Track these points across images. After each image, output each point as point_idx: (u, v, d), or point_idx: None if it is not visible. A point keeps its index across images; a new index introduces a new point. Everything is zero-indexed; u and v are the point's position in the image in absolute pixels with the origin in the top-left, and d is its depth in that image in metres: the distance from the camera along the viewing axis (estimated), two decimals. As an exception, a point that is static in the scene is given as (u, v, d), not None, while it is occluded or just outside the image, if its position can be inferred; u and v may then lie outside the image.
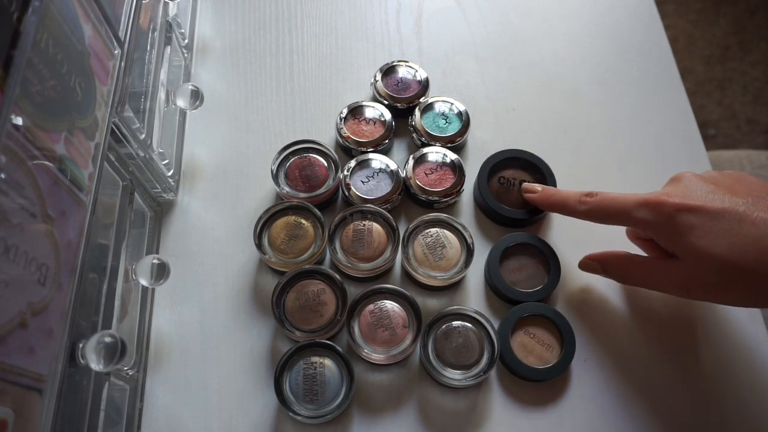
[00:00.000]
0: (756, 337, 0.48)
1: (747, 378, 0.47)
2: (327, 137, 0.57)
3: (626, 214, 0.42)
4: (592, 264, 0.48)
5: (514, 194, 0.52)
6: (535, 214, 0.51)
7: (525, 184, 0.51)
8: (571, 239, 0.52)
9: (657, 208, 0.40)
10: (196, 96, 0.49)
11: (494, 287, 0.49)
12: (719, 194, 0.39)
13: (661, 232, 0.41)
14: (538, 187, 0.50)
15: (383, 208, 0.50)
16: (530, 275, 0.49)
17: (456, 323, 0.46)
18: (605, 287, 0.50)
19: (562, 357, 0.46)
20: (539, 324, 0.47)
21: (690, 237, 0.39)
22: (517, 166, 0.53)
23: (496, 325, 0.47)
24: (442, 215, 0.49)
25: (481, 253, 0.51)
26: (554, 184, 0.52)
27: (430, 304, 0.49)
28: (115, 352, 0.34)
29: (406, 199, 0.53)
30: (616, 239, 0.51)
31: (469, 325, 0.46)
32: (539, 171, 0.53)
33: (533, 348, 0.46)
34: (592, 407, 0.46)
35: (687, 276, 0.40)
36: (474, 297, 0.50)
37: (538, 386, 0.46)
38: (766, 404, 0.46)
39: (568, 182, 0.54)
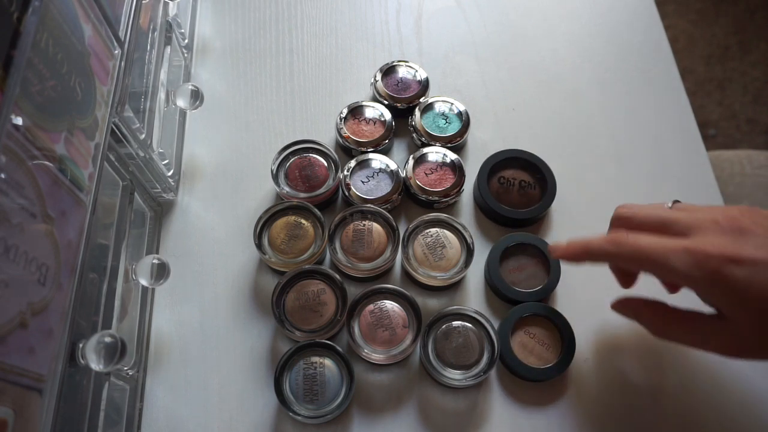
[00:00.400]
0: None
1: (747, 377, 0.47)
2: (327, 137, 0.57)
3: (663, 262, 0.37)
4: (625, 310, 0.43)
5: (514, 194, 0.52)
6: (535, 214, 0.51)
7: (550, 246, 0.45)
8: (572, 236, 0.52)
9: (700, 258, 0.35)
10: (196, 96, 0.49)
11: (494, 287, 0.49)
12: (762, 239, 0.36)
13: (706, 287, 0.36)
14: (562, 243, 0.43)
15: (383, 208, 0.50)
16: (530, 275, 0.49)
17: (456, 323, 0.46)
18: (604, 287, 0.50)
19: (562, 357, 0.46)
20: (539, 324, 0.47)
21: (743, 292, 0.35)
22: (517, 166, 0.53)
23: (496, 325, 0.47)
24: (442, 215, 0.49)
25: (481, 253, 0.51)
26: (554, 184, 0.52)
27: (430, 304, 0.49)
28: (115, 352, 0.34)
29: (406, 199, 0.53)
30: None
31: (469, 325, 0.46)
32: (539, 171, 0.53)
33: (533, 348, 0.46)
34: (592, 407, 0.46)
35: (740, 336, 0.36)
36: (474, 297, 0.50)
37: (538, 386, 0.46)
38: (764, 402, 0.46)
39: (568, 182, 0.54)
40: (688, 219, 0.38)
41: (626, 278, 0.45)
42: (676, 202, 0.42)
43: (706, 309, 0.38)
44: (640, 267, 0.39)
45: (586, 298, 0.50)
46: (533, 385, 0.46)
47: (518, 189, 0.52)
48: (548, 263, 0.49)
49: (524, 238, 0.50)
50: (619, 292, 0.50)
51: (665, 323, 0.40)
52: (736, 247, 0.35)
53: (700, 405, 0.46)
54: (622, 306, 0.43)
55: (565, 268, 0.50)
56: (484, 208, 0.53)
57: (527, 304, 0.47)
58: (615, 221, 0.42)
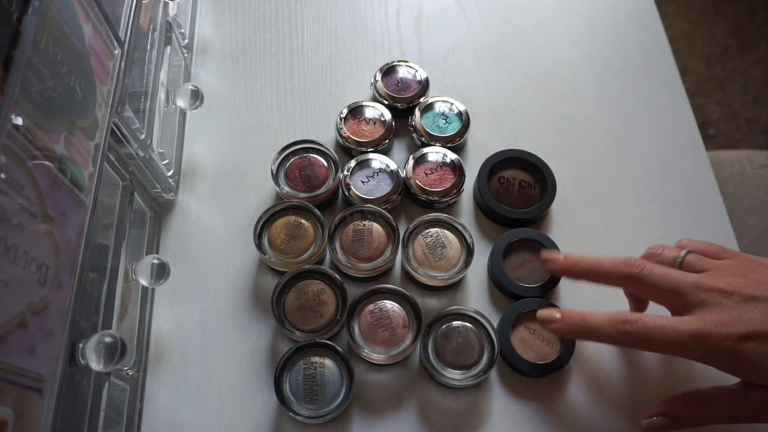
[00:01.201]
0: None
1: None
2: (327, 137, 0.57)
3: (678, 349, 0.37)
4: (660, 421, 0.41)
5: (514, 194, 0.52)
6: (535, 214, 0.51)
7: (546, 262, 0.45)
8: (572, 236, 0.52)
9: (713, 342, 0.36)
10: (196, 96, 0.49)
11: (498, 283, 0.49)
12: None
13: (725, 365, 0.37)
14: (562, 312, 0.42)
15: (383, 208, 0.50)
16: (533, 270, 0.49)
17: (456, 323, 0.46)
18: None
19: (562, 352, 0.46)
20: None
21: (761, 365, 0.36)
22: (517, 166, 0.53)
23: (498, 319, 0.47)
24: (442, 215, 0.49)
25: (481, 252, 0.51)
26: (554, 184, 0.52)
27: (430, 304, 0.49)
28: (115, 352, 0.34)
29: (406, 199, 0.53)
30: (617, 238, 0.51)
31: (469, 325, 0.46)
32: (539, 171, 0.53)
33: (533, 343, 0.46)
34: (592, 402, 0.46)
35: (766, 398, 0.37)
36: (474, 297, 0.50)
37: (539, 382, 0.46)
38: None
39: (568, 182, 0.54)
40: (695, 292, 0.38)
41: (639, 302, 0.46)
42: (688, 254, 0.42)
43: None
44: (652, 350, 0.39)
45: (589, 293, 0.50)
46: (533, 381, 0.46)
47: (518, 189, 0.52)
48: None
49: (527, 233, 0.50)
50: (622, 289, 0.50)
51: (704, 412, 0.39)
52: (744, 321, 0.36)
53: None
54: (652, 422, 0.41)
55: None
56: (484, 208, 0.53)
57: (527, 300, 0.47)
58: (623, 277, 0.41)
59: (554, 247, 0.49)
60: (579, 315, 0.41)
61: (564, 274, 0.45)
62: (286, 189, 0.51)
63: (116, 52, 0.41)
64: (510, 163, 0.53)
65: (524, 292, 0.48)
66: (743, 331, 0.36)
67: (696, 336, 0.36)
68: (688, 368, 0.47)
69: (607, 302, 0.50)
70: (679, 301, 0.39)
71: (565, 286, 0.50)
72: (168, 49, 0.52)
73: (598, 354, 0.48)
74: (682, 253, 0.42)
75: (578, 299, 0.50)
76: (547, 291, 0.48)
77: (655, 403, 0.42)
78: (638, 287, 0.41)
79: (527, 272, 0.49)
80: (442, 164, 0.52)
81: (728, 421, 0.39)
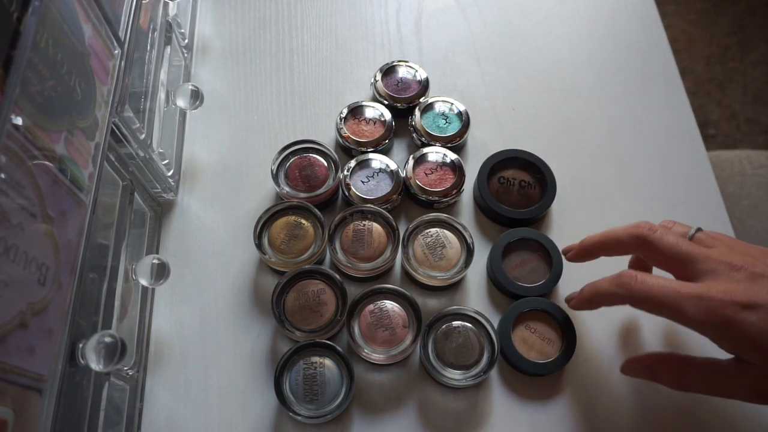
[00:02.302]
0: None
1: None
2: (327, 137, 0.57)
3: (676, 309, 0.37)
4: (637, 368, 0.42)
5: (514, 194, 0.52)
6: (535, 214, 0.51)
7: (567, 297, 0.46)
8: (572, 236, 0.52)
9: (713, 306, 0.35)
10: (196, 96, 0.49)
11: (497, 283, 0.49)
12: None
13: (720, 334, 0.36)
14: (575, 295, 0.44)
15: (383, 208, 0.50)
16: (532, 270, 0.49)
17: (456, 323, 0.46)
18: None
19: (563, 351, 0.46)
20: (540, 319, 0.47)
21: (758, 337, 0.34)
22: (517, 166, 0.53)
23: (498, 319, 0.47)
24: (442, 215, 0.49)
25: (481, 252, 0.51)
26: (554, 184, 0.52)
27: (430, 304, 0.49)
28: (115, 352, 0.34)
29: (406, 199, 0.53)
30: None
31: (469, 325, 0.46)
32: (539, 171, 0.53)
33: (534, 343, 0.46)
34: (593, 401, 0.46)
35: (758, 379, 0.36)
36: (474, 297, 0.50)
37: (540, 381, 0.46)
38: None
39: (568, 182, 0.54)
40: (704, 261, 0.38)
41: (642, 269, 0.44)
42: (698, 230, 0.41)
43: (724, 355, 0.38)
44: (649, 311, 0.38)
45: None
46: (534, 380, 0.46)
47: (518, 189, 0.52)
48: (550, 258, 0.49)
49: (526, 233, 0.50)
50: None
51: (687, 376, 0.39)
52: (750, 293, 0.35)
53: (700, 401, 0.46)
54: (633, 365, 0.42)
55: (567, 262, 0.50)
56: (484, 208, 0.53)
57: (528, 299, 0.47)
58: (635, 240, 0.41)
59: (554, 247, 0.49)
60: (591, 286, 0.42)
61: (582, 255, 0.45)
62: (286, 189, 0.51)
63: (116, 52, 0.41)
64: (510, 163, 0.53)
65: (523, 292, 0.48)
66: (747, 300, 0.35)
67: (697, 298, 0.36)
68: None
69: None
70: (686, 268, 0.38)
71: (564, 285, 0.50)
72: (168, 49, 0.52)
73: (598, 354, 0.48)
74: (693, 229, 0.41)
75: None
76: (546, 290, 0.48)
77: (644, 354, 0.42)
78: (648, 250, 0.40)
79: (526, 272, 0.49)
80: (442, 164, 0.52)
81: (706, 393, 0.39)
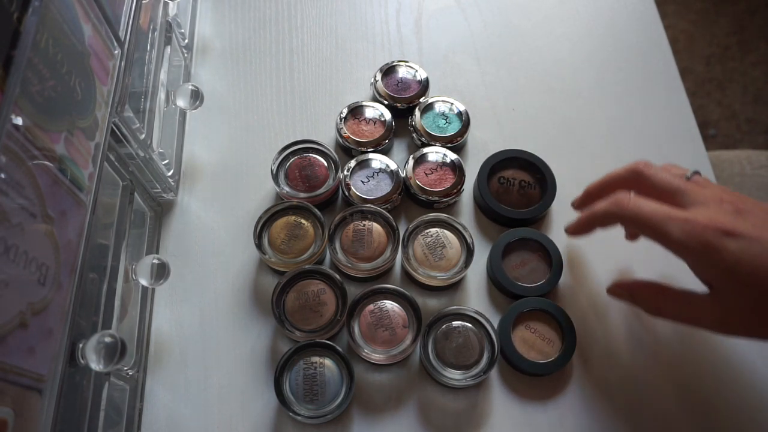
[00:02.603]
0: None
1: (746, 376, 0.47)
2: (327, 137, 0.57)
3: (660, 228, 0.38)
4: (621, 292, 0.45)
5: (514, 194, 0.52)
6: (535, 214, 0.51)
7: (566, 228, 0.47)
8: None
9: (696, 229, 0.37)
10: (196, 96, 0.49)
11: (497, 283, 0.49)
12: (763, 223, 0.37)
13: (698, 257, 0.38)
14: (574, 222, 0.46)
15: (383, 208, 0.50)
16: (532, 270, 0.49)
17: (456, 323, 0.46)
18: (606, 281, 0.50)
19: (563, 351, 0.46)
20: (540, 319, 0.47)
21: (733, 265, 0.36)
22: (517, 166, 0.53)
23: (498, 319, 0.47)
24: (442, 215, 0.49)
25: (481, 252, 0.51)
26: (554, 184, 0.52)
27: (430, 304, 0.49)
28: (115, 352, 0.34)
29: (406, 199, 0.53)
30: (617, 238, 0.51)
31: (469, 325, 0.46)
32: (539, 171, 0.53)
33: (534, 342, 0.46)
34: (593, 401, 0.46)
35: (725, 308, 0.38)
36: (474, 297, 0.50)
37: (539, 381, 0.46)
38: (765, 403, 0.46)
39: (568, 182, 0.54)
40: (696, 193, 0.40)
41: (633, 231, 0.47)
42: (695, 173, 0.43)
43: (700, 288, 0.40)
44: (638, 230, 0.41)
45: (589, 292, 0.50)
46: (534, 380, 0.46)
47: (518, 189, 0.52)
48: (550, 258, 0.49)
49: (526, 233, 0.50)
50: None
51: (659, 301, 0.42)
52: (733, 223, 0.37)
53: (700, 400, 0.46)
54: (617, 288, 0.45)
55: (568, 262, 0.50)
56: (484, 208, 0.53)
57: (528, 299, 0.47)
58: (631, 172, 0.43)
59: (554, 247, 0.49)
60: (588, 210, 0.45)
61: (587, 199, 0.46)
62: (286, 189, 0.51)
63: (116, 52, 0.41)
64: (510, 163, 0.53)
65: (523, 292, 0.48)
66: (729, 228, 0.36)
67: (683, 221, 0.38)
68: (687, 369, 0.47)
69: (608, 300, 0.50)
70: (677, 199, 0.40)
71: (564, 285, 0.50)
72: (168, 49, 0.52)
73: (598, 354, 0.48)
74: (690, 171, 0.43)
75: (579, 299, 0.50)
76: (546, 290, 0.48)
77: (629, 279, 0.45)
78: (643, 184, 0.42)
79: (526, 272, 0.49)
80: (442, 164, 0.52)
81: (676, 320, 0.41)
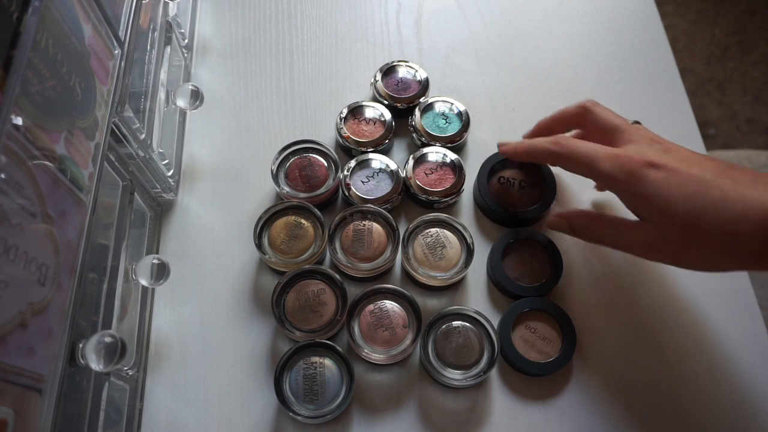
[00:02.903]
0: (756, 337, 0.48)
1: (746, 376, 0.47)
2: (327, 137, 0.57)
3: (592, 164, 0.42)
4: (560, 222, 0.48)
5: (514, 194, 0.52)
6: (535, 214, 0.51)
7: (499, 143, 0.51)
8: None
9: (623, 162, 0.41)
10: (196, 96, 0.49)
11: (497, 283, 0.49)
12: (686, 160, 0.40)
13: (624, 187, 0.41)
14: (512, 142, 0.50)
15: (383, 208, 0.50)
16: (532, 270, 0.49)
17: (456, 323, 0.46)
18: (606, 280, 0.50)
19: (563, 351, 0.46)
20: (539, 318, 0.47)
21: (654, 193, 0.39)
22: (517, 166, 0.53)
23: (498, 319, 0.47)
24: (442, 215, 0.49)
25: (481, 252, 0.51)
26: (554, 184, 0.52)
27: (430, 304, 0.49)
28: (115, 352, 0.34)
29: (406, 199, 0.53)
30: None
31: (469, 325, 0.46)
32: (539, 171, 0.53)
33: (534, 342, 0.46)
34: (593, 401, 0.46)
35: (651, 235, 0.41)
36: (474, 297, 0.50)
37: (539, 381, 0.46)
38: (764, 402, 0.46)
39: (569, 182, 0.54)
40: (632, 133, 0.43)
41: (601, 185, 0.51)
42: (636, 122, 0.46)
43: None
44: (573, 167, 0.44)
45: (588, 291, 0.50)
46: (534, 380, 0.46)
47: (518, 189, 0.52)
48: (550, 258, 0.49)
49: (526, 233, 0.50)
50: (623, 288, 0.50)
51: (594, 227, 0.45)
52: (659, 157, 0.40)
53: (700, 399, 0.46)
54: (556, 218, 0.48)
55: (568, 261, 0.50)
56: (484, 208, 0.53)
57: (527, 299, 0.47)
58: (580, 108, 0.47)
59: (554, 247, 0.49)
60: (529, 141, 0.49)
61: (531, 149, 0.48)
62: (286, 189, 0.51)
63: (116, 52, 0.41)
64: (510, 163, 0.53)
65: (523, 292, 0.48)
66: (654, 160, 0.40)
67: (613, 155, 0.42)
68: (687, 369, 0.47)
69: (607, 296, 0.50)
70: (614, 137, 0.44)
71: (564, 285, 0.50)
72: (168, 49, 0.52)
73: (598, 353, 0.48)
74: (632, 121, 0.46)
75: (579, 299, 0.50)
76: (546, 290, 0.48)
77: (566, 210, 0.49)
78: (589, 119, 0.46)
79: (526, 272, 0.49)
80: (442, 164, 0.52)
81: (611, 245, 0.45)
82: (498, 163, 0.53)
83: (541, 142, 0.46)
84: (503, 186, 0.52)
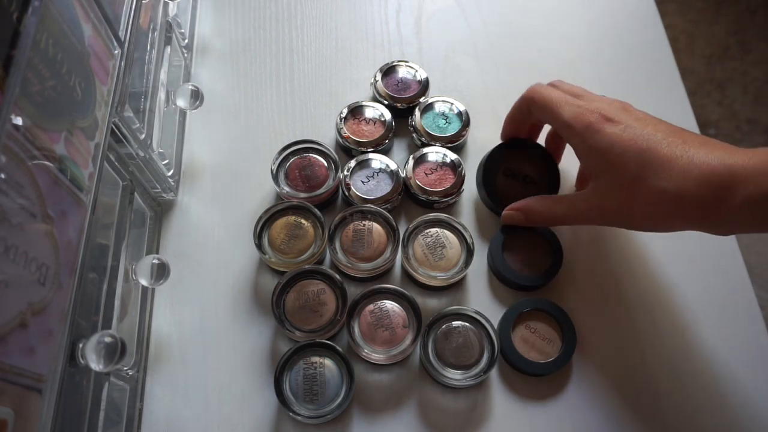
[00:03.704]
0: (756, 337, 0.48)
1: (746, 376, 0.47)
2: (327, 137, 0.57)
3: (556, 110, 0.44)
4: (514, 214, 0.49)
5: (518, 188, 0.52)
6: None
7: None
8: (573, 235, 0.52)
9: (583, 113, 0.43)
10: (196, 96, 0.49)
11: (498, 273, 0.49)
12: (642, 120, 0.42)
13: (582, 138, 0.43)
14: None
15: (383, 208, 0.50)
16: (533, 260, 0.49)
17: (456, 323, 0.46)
18: (606, 280, 0.50)
19: (563, 351, 0.46)
20: (540, 318, 0.47)
21: (608, 146, 0.41)
22: (523, 157, 0.52)
23: (499, 319, 0.47)
24: (442, 215, 0.49)
25: (481, 252, 0.51)
26: (557, 180, 0.52)
27: (430, 304, 0.49)
28: (115, 352, 0.34)
29: (406, 199, 0.53)
30: (618, 237, 0.51)
31: (469, 325, 0.46)
32: (544, 165, 0.52)
33: (534, 342, 0.46)
34: (594, 400, 0.46)
35: (603, 195, 0.42)
36: (474, 297, 0.50)
37: (539, 381, 0.46)
38: (765, 401, 0.46)
39: (569, 182, 0.54)
40: (591, 97, 0.46)
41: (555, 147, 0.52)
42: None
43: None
44: (539, 114, 0.47)
45: (588, 291, 0.50)
46: (535, 380, 0.46)
47: (522, 182, 0.52)
48: (550, 247, 0.49)
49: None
50: (623, 288, 0.50)
51: (547, 208, 0.47)
52: (616, 114, 0.42)
53: (700, 399, 0.46)
54: (510, 212, 0.49)
55: (568, 260, 0.50)
56: (487, 201, 0.52)
57: (528, 300, 0.47)
58: (550, 85, 0.49)
59: (554, 239, 0.49)
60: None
61: (511, 114, 0.51)
62: (286, 189, 0.51)
63: (116, 52, 0.41)
64: (516, 156, 0.52)
65: (525, 281, 0.48)
66: (611, 116, 0.42)
67: (576, 105, 0.44)
68: (687, 368, 0.47)
69: (607, 296, 0.50)
70: (579, 98, 0.46)
71: (566, 285, 0.50)
72: (168, 49, 0.52)
73: (598, 353, 0.48)
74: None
75: (579, 299, 0.50)
76: (547, 279, 0.48)
77: (513, 204, 0.49)
78: (553, 89, 0.48)
79: (527, 263, 0.49)
80: (442, 164, 0.52)
81: (569, 222, 0.46)
82: (503, 156, 0.52)
83: (521, 97, 0.49)
84: (508, 179, 0.52)
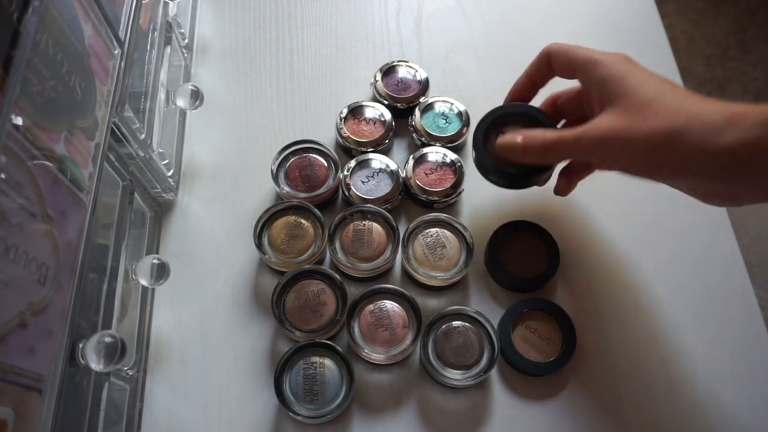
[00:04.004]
0: (756, 337, 0.48)
1: (746, 376, 0.47)
2: (327, 137, 0.57)
3: (581, 49, 0.46)
4: (511, 140, 0.45)
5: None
6: (535, 173, 0.47)
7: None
8: (573, 234, 0.52)
9: (588, 55, 0.45)
10: (196, 96, 0.49)
11: (494, 274, 0.49)
12: (643, 69, 0.45)
13: (584, 71, 0.45)
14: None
15: (383, 208, 0.50)
16: (529, 261, 0.49)
17: (456, 323, 0.46)
18: (606, 279, 0.50)
19: (563, 351, 0.46)
20: (540, 318, 0.47)
21: (604, 74, 0.43)
22: (518, 122, 0.48)
23: (498, 319, 0.47)
24: (442, 215, 0.49)
25: (481, 252, 0.51)
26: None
27: (430, 304, 0.49)
28: (115, 352, 0.34)
29: (406, 199, 0.53)
30: (617, 237, 0.51)
31: (469, 325, 0.46)
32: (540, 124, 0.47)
33: (534, 342, 0.46)
34: (594, 400, 0.46)
35: (603, 130, 0.41)
36: (474, 296, 0.50)
37: (539, 381, 0.46)
38: (765, 401, 0.46)
39: (568, 182, 0.54)
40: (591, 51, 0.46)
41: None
42: None
43: None
44: (563, 57, 0.47)
45: (588, 291, 0.50)
46: (535, 380, 0.46)
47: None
48: (547, 248, 0.49)
49: (523, 226, 0.50)
50: (623, 288, 0.50)
51: (549, 132, 0.44)
52: (620, 58, 0.45)
53: (700, 399, 0.46)
54: (508, 138, 0.46)
55: (567, 260, 0.50)
56: (486, 168, 0.47)
57: (528, 300, 0.47)
58: (544, 54, 0.49)
59: (552, 239, 0.49)
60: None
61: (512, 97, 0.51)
62: (286, 189, 0.51)
63: (116, 52, 0.41)
64: (510, 120, 0.48)
65: (520, 283, 0.48)
66: (617, 58, 0.45)
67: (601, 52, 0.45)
68: (687, 368, 0.47)
69: (606, 291, 0.50)
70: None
71: (565, 285, 0.50)
72: (168, 49, 0.52)
73: (598, 353, 0.48)
74: None
75: (578, 299, 0.50)
76: (547, 279, 0.48)
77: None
78: (554, 63, 0.48)
79: (523, 264, 0.49)
80: (442, 164, 0.52)
81: (569, 151, 0.44)
82: (497, 119, 0.48)
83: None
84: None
